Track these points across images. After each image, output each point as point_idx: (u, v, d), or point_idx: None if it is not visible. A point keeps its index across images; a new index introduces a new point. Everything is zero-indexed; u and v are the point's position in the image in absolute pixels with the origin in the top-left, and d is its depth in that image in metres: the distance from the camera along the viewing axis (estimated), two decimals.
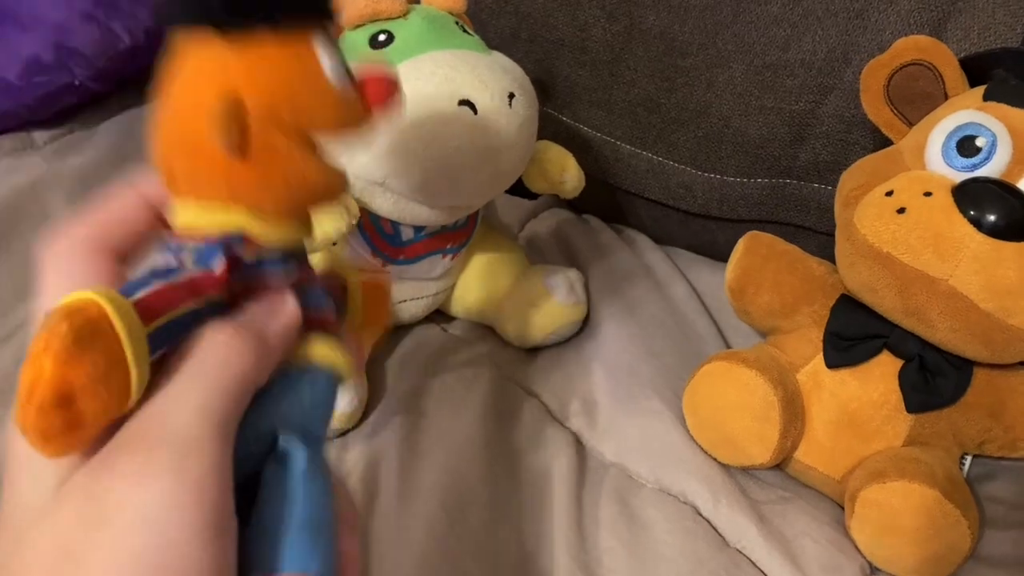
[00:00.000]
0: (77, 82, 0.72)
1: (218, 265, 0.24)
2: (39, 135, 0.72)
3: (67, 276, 0.23)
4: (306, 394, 0.26)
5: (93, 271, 0.24)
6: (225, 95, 0.22)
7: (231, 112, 0.23)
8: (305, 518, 0.24)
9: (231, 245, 0.24)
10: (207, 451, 0.21)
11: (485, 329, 0.61)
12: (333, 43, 0.24)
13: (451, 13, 0.51)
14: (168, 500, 0.20)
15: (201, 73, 0.23)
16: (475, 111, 0.45)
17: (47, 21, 0.70)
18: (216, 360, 0.23)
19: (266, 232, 0.25)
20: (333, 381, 0.27)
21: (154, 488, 0.20)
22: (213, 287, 0.24)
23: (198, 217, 0.24)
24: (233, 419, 0.22)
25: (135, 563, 0.19)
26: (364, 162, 0.45)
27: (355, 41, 0.48)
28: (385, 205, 0.48)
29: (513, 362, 0.58)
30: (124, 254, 0.25)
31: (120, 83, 0.78)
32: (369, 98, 0.26)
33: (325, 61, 0.24)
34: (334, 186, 0.26)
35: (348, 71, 0.25)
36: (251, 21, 0.23)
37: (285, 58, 0.23)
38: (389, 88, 0.26)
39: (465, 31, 0.50)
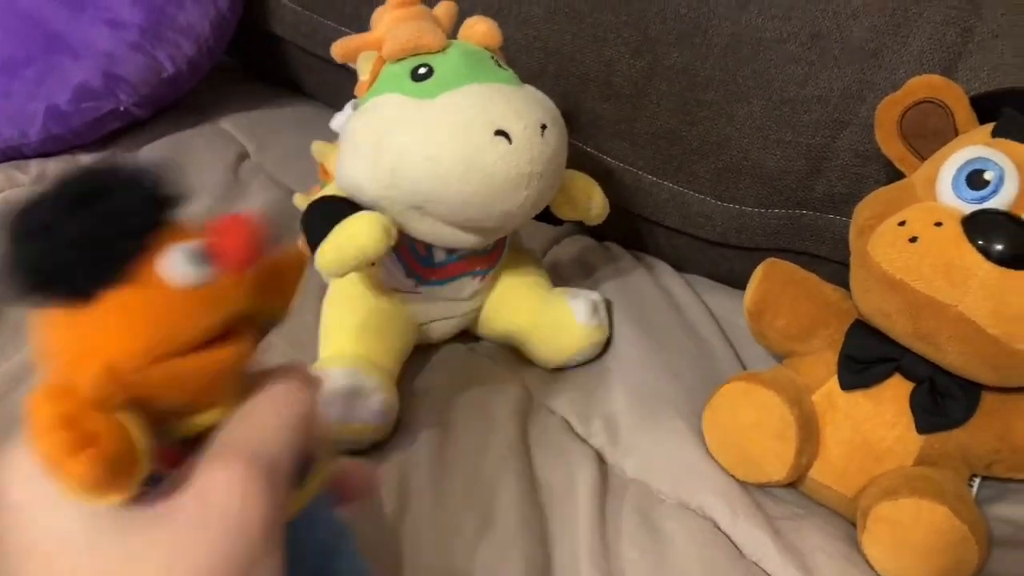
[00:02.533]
0: (122, 108, 0.75)
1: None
2: (84, 158, 0.75)
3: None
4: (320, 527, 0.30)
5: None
6: (97, 369, 0.23)
7: (106, 379, 0.23)
8: None
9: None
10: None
11: (511, 350, 0.63)
12: (177, 236, 0.25)
13: (487, 48, 0.53)
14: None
15: (65, 346, 0.24)
16: (510, 141, 0.47)
17: (97, 50, 0.73)
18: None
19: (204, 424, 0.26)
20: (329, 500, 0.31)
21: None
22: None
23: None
24: None
25: None
26: (404, 187, 0.48)
27: (397, 73, 0.51)
28: (422, 228, 0.51)
29: (538, 381, 0.60)
30: None
31: (160, 109, 0.81)
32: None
33: (176, 271, 0.24)
34: (244, 354, 0.26)
35: (201, 249, 0.25)
36: (98, 284, 0.24)
37: (131, 308, 0.24)
38: (243, 237, 0.26)
39: (500, 65, 0.53)
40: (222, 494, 0.24)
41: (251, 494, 0.24)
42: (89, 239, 0.23)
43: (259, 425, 0.26)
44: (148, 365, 0.24)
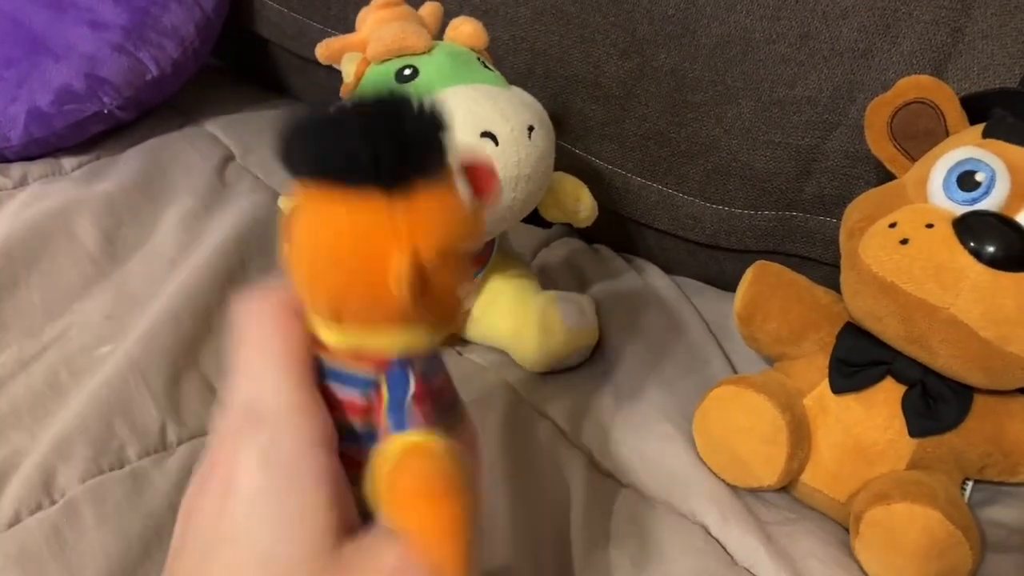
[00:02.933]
0: (106, 110, 0.74)
1: (413, 386, 0.27)
2: (67, 161, 0.75)
3: (252, 323, 0.28)
4: None
5: (278, 318, 0.28)
6: (408, 257, 0.25)
7: (416, 272, 0.25)
8: None
9: (414, 365, 0.28)
10: None
11: (500, 353, 0.62)
12: (460, 171, 0.28)
13: (473, 49, 0.53)
14: None
15: (371, 230, 0.25)
16: (496, 143, 0.46)
17: (79, 51, 0.72)
18: None
19: (432, 342, 0.28)
20: None
21: None
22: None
23: (365, 340, 0.27)
24: None
25: None
26: None
27: (382, 75, 0.50)
28: None
29: (527, 385, 0.60)
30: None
31: (145, 111, 0.80)
32: (479, 192, 0.28)
33: (462, 193, 0.27)
34: (469, 302, 0.30)
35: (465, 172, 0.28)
36: (408, 178, 0.25)
37: (440, 205, 0.26)
38: (493, 181, 0.29)
39: (486, 66, 0.52)
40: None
41: None
42: (421, 134, 0.25)
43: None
44: (442, 261, 0.26)
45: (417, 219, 0.26)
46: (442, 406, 0.29)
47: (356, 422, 0.28)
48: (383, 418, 0.27)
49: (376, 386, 0.28)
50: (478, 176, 0.28)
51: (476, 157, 0.29)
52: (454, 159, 0.27)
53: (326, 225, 0.26)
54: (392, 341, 0.27)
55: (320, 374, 0.28)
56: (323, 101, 0.26)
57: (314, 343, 0.28)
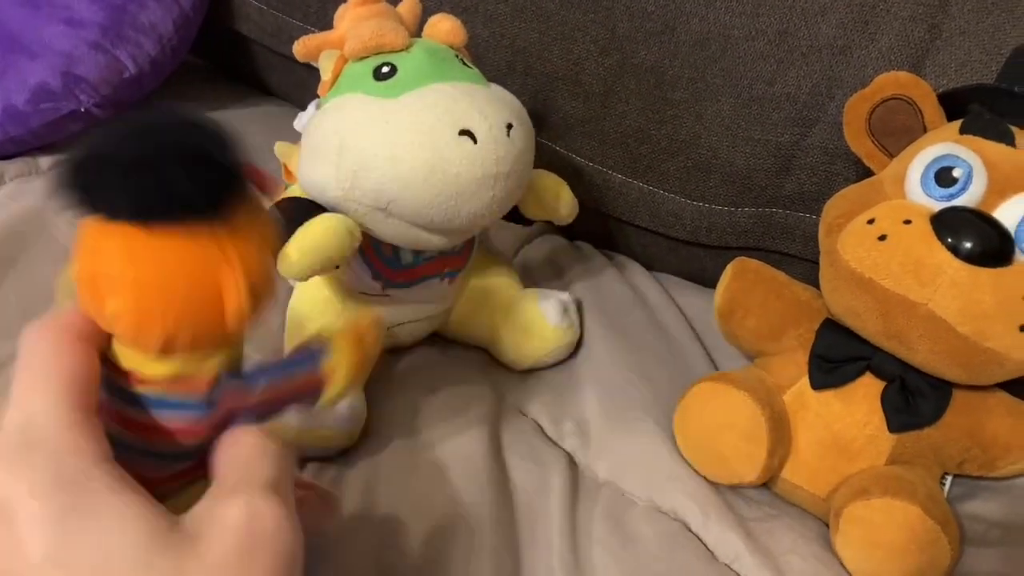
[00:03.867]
0: (83, 109, 0.73)
1: (223, 403, 0.29)
2: (44, 160, 0.74)
3: (32, 351, 0.27)
4: None
5: (60, 345, 0.27)
6: (244, 284, 0.26)
7: (250, 294, 0.27)
8: None
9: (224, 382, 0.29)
10: None
11: (481, 351, 0.62)
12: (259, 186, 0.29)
13: (451, 46, 0.52)
14: None
15: (205, 262, 0.26)
16: (475, 141, 0.46)
17: (55, 49, 0.71)
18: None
19: (239, 352, 0.30)
20: None
21: None
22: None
23: (190, 367, 0.28)
24: None
25: None
26: (368, 189, 0.47)
27: (359, 72, 0.50)
28: (387, 230, 0.50)
29: (508, 383, 0.60)
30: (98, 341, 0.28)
31: (123, 109, 0.79)
32: (263, 190, 0.29)
33: (259, 200, 0.28)
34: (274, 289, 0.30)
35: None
36: (225, 205, 0.26)
37: (262, 228, 0.28)
38: (264, 173, 0.29)
39: (465, 64, 0.52)
40: (264, 523, 0.26)
41: (286, 525, 0.26)
42: (221, 161, 0.26)
43: (260, 459, 0.28)
44: (263, 278, 0.28)
45: (241, 243, 0.26)
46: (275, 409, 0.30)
47: (187, 442, 0.29)
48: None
49: (207, 405, 0.28)
50: (253, 174, 0.28)
51: (257, 170, 0.29)
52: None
53: (154, 266, 0.26)
54: (217, 362, 0.28)
55: (138, 404, 0.28)
56: (111, 133, 0.25)
57: (125, 376, 0.28)
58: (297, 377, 0.30)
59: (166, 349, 0.27)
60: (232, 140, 0.26)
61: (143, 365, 0.28)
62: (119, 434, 0.28)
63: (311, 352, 0.30)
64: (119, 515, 0.24)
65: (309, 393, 0.30)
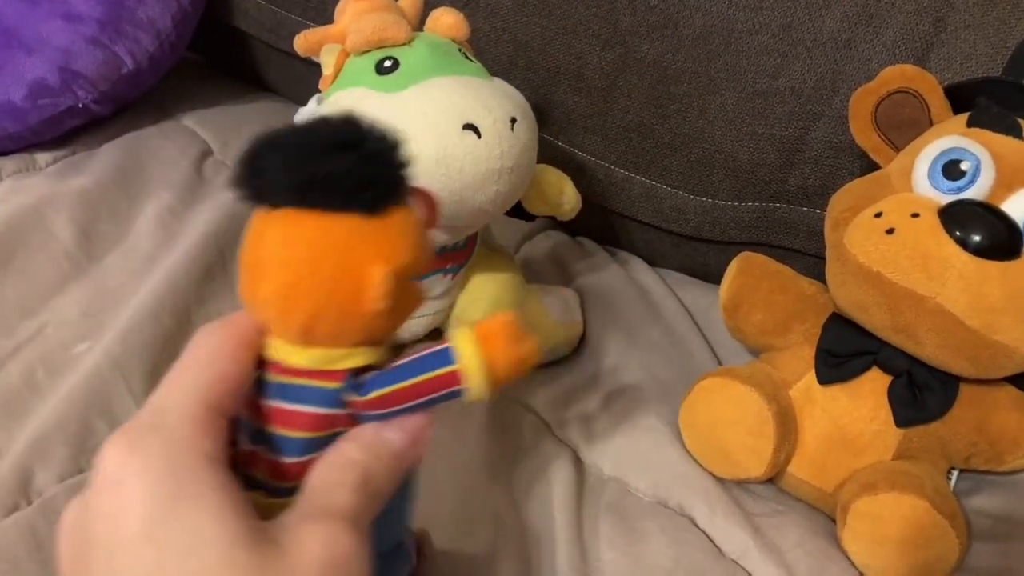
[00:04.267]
0: (81, 105, 0.73)
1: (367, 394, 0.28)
2: (42, 156, 0.73)
3: (205, 356, 0.28)
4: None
5: (229, 357, 0.28)
6: (387, 271, 0.27)
7: (393, 284, 0.27)
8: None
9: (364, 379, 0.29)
10: None
11: None
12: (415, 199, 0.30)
13: (454, 40, 0.52)
14: None
15: (350, 250, 0.27)
16: (479, 135, 0.46)
17: (53, 45, 0.71)
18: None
19: (381, 357, 0.30)
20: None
21: None
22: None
23: (323, 361, 0.28)
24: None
25: None
26: None
27: (361, 67, 0.49)
28: None
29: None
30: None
31: (121, 105, 0.79)
32: (426, 217, 0.31)
33: (420, 213, 0.29)
34: (421, 300, 0.31)
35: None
36: (384, 201, 0.27)
37: (409, 225, 0.28)
38: (436, 207, 0.32)
39: (468, 58, 0.51)
40: (341, 553, 0.26)
41: (361, 557, 0.26)
42: (386, 160, 0.27)
43: (350, 485, 0.28)
44: (408, 279, 0.28)
45: (391, 239, 0.28)
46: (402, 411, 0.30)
47: (317, 433, 0.29)
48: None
49: (340, 396, 0.29)
50: (423, 201, 0.30)
51: (420, 185, 0.30)
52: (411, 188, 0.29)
53: (300, 239, 0.27)
54: (358, 358, 0.29)
55: (278, 396, 0.29)
56: (283, 129, 0.27)
57: (271, 366, 0.29)
58: (423, 379, 0.29)
59: (308, 332, 0.28)
60: (400, 144, 0.28)
61: (288, 354, 0.29)
62: (256, 423, 0.29)
63: (436, 353, 0.29)
64: (216, 509, 0.25)
65: (443, 394, 0.29)
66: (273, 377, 0.29)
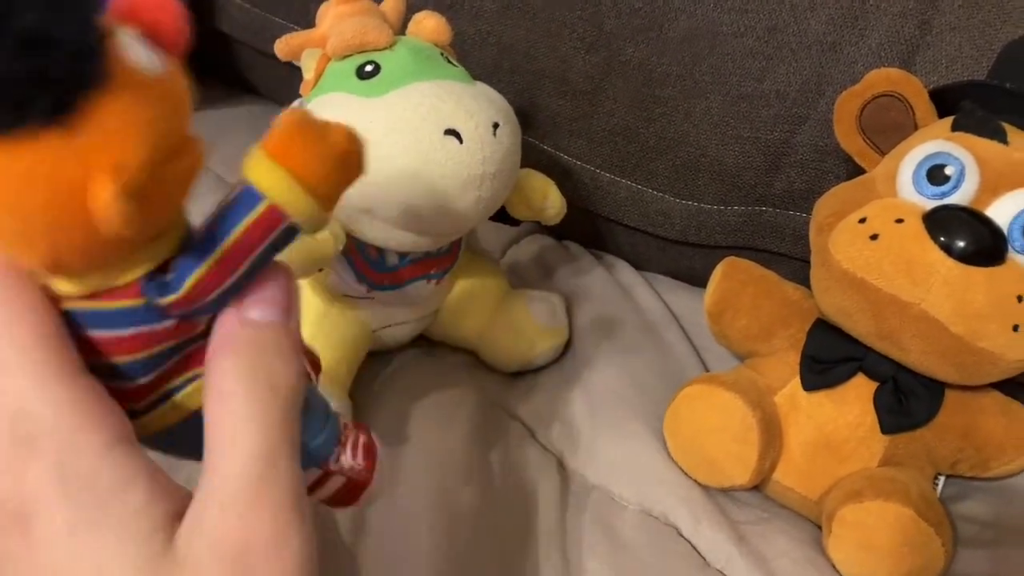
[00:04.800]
0: None
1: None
2: None
3: (10, 318, 0.22)
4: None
5: (35, 306, 0.22)
6: (113, 188, 0.20)
7: (128, 196, 0.20)
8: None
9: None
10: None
11: (468, 354, 0.61)
12: (122, 33, 0.21)
13: (436, 44, 0.52)
14: None
15: (57, 170, 0.20)
16: (460, 140, 0.45)
17: None
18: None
19: (170, 246, 0.24)
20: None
21: None
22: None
23: (106, 279, 0.23)
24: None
25: None
26: (351, 191, 0.46)
27: (342, 71, 0.49)
28: (371, 232, 0.49)
29: (496, 386, 0.59)
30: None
31: None
32: (168, 43, 0.23)
33: (135, 58, 0.21)
34: (200, 159, 0.24)
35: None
36: (76, 96, 0.20)
37: (122, 119, 0.20)
38: (175, 19, 0.23)
39: (450, 62, 0.51)
40: (259, 542, 0.22)
41: (286, 535, 0.23)
42: (71, 32, 0.19)
43: (247, 430, 0.23)
44: (154, 170, 0.21)
45: (102, 143, 0.20)
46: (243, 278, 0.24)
47: (147, 351, 0.24)
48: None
49: (146, 312, 0.23)
50: (157, 22, 0.22)
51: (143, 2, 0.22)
52: (119, 35, 0.21)
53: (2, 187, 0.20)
54: (137, 268, 0.23)
55: (79, 325, 0.23)
56: None
57: (55, 298, 0.23)
58: (237, 236, 0.23)
59: (59, 269, 0.22)
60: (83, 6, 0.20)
61: (63, 285, 0.23)
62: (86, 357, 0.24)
63: (236, 199, 0.23)
64: (119, 528, 0.21)
65: (272, 241, 0.24)
66: (70, 305, 0.23)
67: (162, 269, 0.23)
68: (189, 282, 0.23)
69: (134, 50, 0.21)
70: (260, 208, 0.23)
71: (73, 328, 0.23)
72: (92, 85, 0.20)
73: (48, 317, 0.22)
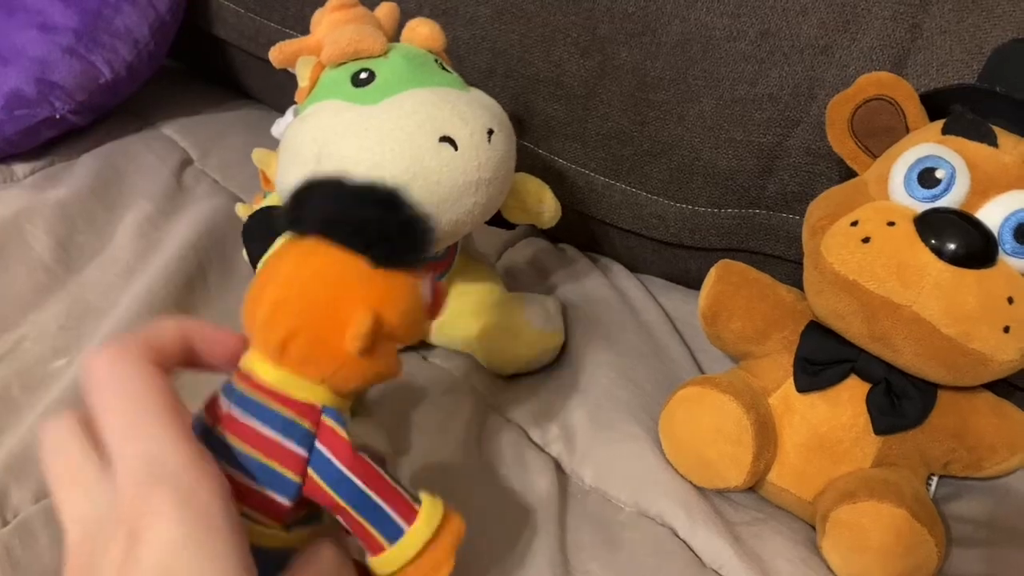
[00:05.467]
0: (58, 115, 0.72)
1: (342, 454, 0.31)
2: (19, 167, 0.73)
3: (119, 378, 0.28)
4: None
5: (145, 373, 0.29)
6: (374, 317, 0.29)
7: (375, 331, 0.29)
8: None
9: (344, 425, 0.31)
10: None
11: (465, 357, 0.62)
12: (427, 275, 0.32)
13: (430, 51, 0.52)
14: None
15: (349, 287, 0.29)
16: (456, 147, 0.46)
17: (29, 55, 0.70)
18: None
19: (342, 407, 0.31)
20: None
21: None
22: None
23: (286, 384, 0.30)
24: None
25: None
26: None
27: (337, 79, 0.49)
28: None
29: (493, 389, 0.59)
30: (165, 365, 0.30)
31: (99, 115, 0.78)
32: (432, 303, 0.33)
33: (425, 291, 0.32)
34: (398, 372, 0.33)
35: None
36: (395, 260, 0.30)
37: (410, 291, 0.31)
38: (443, 301, 0.34)
39: (444, 68, 0.51)
40: None
41: None
42: (414, 230, 0.30)
43: None
44: (389, 336, 0.30)
45: (387, 293, 0.30)
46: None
47: (255, 454, 0.30)
48: (354, 518, 0.31)
49: (305, 437, 0.30)
50: (433, 288, 0.33)
51: (435, 280, 0.33)
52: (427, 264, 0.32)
53: (310, 264, 0.29)
54: (321, 395, 0.30)
55: (242, 408, 0.30)
56: (342, 176, 0.31)
57: (241, 377, 0.31)
58: (372, 526, 0.31)
59: (283, 348, 0.29)
60: (431, 228, 0.31)
61: (259, 368, 0.30)
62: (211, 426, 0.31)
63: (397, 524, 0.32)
64: (222, 555, 0.26)
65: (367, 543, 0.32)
66: (239, 385, 0.31)
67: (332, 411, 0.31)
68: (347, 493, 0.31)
69: (425, 285, 0.32)
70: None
71: (228, 403, 0.31)
72: (408, 264, 0.31)
73: (171, 390, 0.29)
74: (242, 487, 0.30)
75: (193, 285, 0.63)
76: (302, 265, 0.30)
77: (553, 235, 0.77)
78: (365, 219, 0.29)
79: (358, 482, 0.30)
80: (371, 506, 0.31)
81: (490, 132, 0.47)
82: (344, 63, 0.49)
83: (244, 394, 0.30)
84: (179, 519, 0.25)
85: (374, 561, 0.32)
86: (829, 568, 0.48)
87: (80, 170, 0.74)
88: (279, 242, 0.32)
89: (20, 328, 0.57)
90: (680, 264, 0.71)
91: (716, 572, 0.48)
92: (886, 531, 0.45)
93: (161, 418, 0.28)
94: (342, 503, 0.30)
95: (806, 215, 0.53)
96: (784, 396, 0.52)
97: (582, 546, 0.49)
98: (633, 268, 0.74)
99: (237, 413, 0.30)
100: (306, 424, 0.30)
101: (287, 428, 0.30)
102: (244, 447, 0.30)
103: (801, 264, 0.52)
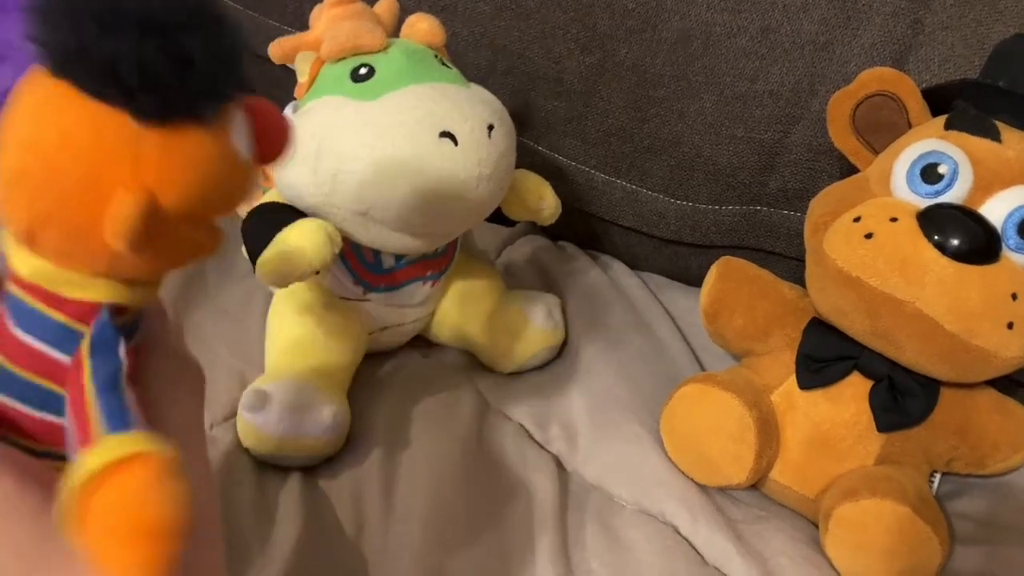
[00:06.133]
0: None
1: (124, 357, 0.22)
2: None
3: None
4: None
5: None
6: (144, 199, 0.20)
7: (148, 217, 0.20)
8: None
9: (126, 327, 0.23)
10: None
11: (465, 354, 0.62)
12: (241, 116, 0.23)
13: (430, 47, 0.52)
14: None
15: (108, 153, 0.20)
16: (456, 143, 0.45)
17: (24, 52, 0.70)
18: None
19: (136, 299, 0.24)
20: None
21: None
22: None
23: (60, 278, 0.22)
24: None
25: None
26: (347, 193, 0.46)
27: (337, 74, 0.49)
28: (367, 235, 0.49)
29: (493, 387, 0.59)
30: None
31: None
32: (263, 150, 0.24)
33: (238, 142, 0.22)
34: (216, 248, 0.24)
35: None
36: (175, 111, 0.21)
37: (202, 153, 0.21)
38: (283, 138, 0.25)
39: (444, 64, 0.51)
40: None
41: None
42: (211, 62, 0.20)
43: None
44: (183, 215, 0.22)
45: (165, 162, 0.21)
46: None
47: (44, 383, 0.23)
48: (86, 398, 0.21)
49: (75, 341, 0.22)
50: (266, 129, 0.24)
51: (268, 105, 0.24)
52: (238, 101, 0.22)
53: (57, 122, 0.20)
54: (96, 291, 0.23)
55: (8, 314, 0.23)
56: None
57: (7, 273, 0.23)
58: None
59: (31, 236, 0.22)
60: (234, 53, 0.21)
61: (16, 257, 0.23)
62: None
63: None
64: (16, 544, 0.21)
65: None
66: (8, 286, 0.23)
67: (119, 312, 0.23)
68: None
69: (240, 133, 0.23)
70: None
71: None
72: (197, 111, 0.21)
73: None
74: (28, 419, 0.23)
75: (191, 282, 0.63)
76: (47, 122, 0.20)
77: (553, 232, 0.76)
78: (117, 52, 0.19)
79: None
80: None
81: (490, 128, 0.47)
82: (343, 59, 0.49)
83: (16, 300, 0.23)
84: None
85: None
86: (832, 566, 0.48)
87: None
88: (31, 76, 0.21)
89: None
90: (681, 261, 0.71)
91: (718, 570, 0.48)
92: (889, 529, 0.45)
93: None
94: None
95: (808, 212, 0.52)
96: (786, 393, 0.51)
97: (584, 544, 0.48)
98: (633, 265, 0.74)
99: (11, 324, 0.23)
100: (85, 331, 0.23)
101: (60, 339, 0.23)
102: (15, 368, 0.23)
103: (802, 261, 0.52)
